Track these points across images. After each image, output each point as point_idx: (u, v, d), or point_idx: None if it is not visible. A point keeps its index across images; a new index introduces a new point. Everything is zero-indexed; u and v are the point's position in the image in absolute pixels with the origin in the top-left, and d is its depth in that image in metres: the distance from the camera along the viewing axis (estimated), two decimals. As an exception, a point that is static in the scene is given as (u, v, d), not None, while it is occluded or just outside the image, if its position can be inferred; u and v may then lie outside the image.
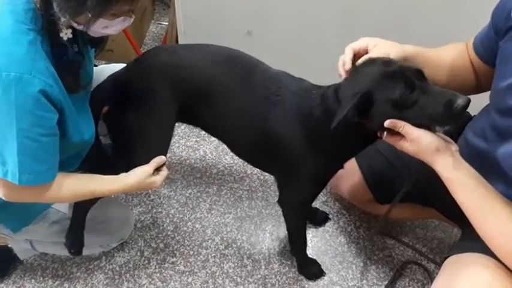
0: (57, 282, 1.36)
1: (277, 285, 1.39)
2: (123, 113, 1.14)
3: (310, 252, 1.48)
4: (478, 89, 1.12)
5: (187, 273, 1.40)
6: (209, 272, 1.41)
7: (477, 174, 0.90)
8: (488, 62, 1.04)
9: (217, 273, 1.41)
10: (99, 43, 1.10)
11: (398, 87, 0.90)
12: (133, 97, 1.13)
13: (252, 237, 1.51)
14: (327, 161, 1.12)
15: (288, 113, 1.08)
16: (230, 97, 1.12)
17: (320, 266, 1.43)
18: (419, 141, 0.89)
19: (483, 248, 0.90)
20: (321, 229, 1.55)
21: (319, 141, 1.07)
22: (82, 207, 1.22)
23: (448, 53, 1.10)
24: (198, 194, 1.63)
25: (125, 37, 1.92)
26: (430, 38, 1.61)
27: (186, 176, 1.68)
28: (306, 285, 1.40)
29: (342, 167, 1.17)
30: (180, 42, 1.84)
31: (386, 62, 0.96)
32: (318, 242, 1.52)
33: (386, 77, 0.92)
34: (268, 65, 1.17)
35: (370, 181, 1.35)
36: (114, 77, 1.18)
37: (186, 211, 1.57)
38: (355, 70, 1.00)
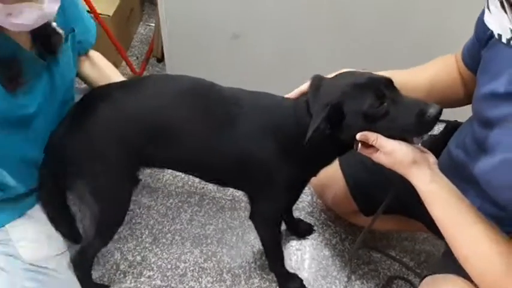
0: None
1: (256, 301, 1.35)
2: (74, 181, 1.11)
3: (293, 265, 1.43)
4: (469, 99, 1.08)
5: (162, 287, 1.36)
6: (186, 287, 1.36)
7: (454, 188, 0.86)
8: (475, 71, 1.00)
9: (195, 288, 1.37)
10: (47, 43, 1.03)
11: (368, 98, 0.87)
12: (82, 166, 1.09)
13: (233, 249, 1.46)
14: (300, 171, 1.08)
15: (256, 128, 1.04)
16: (188, 132, 1.06)
17: (302, 281, 1.38)
18: (393, 153, 0.86)
19: (459, 269, 0.85)
20: (304, 242, 1.50)
21: (292, 152, 1.03)
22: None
23: (426, 72, 1.07)
24: (180, 204, 1.58)
25: (109, 39, 1.87)
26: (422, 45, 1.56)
27: (168, 185, 1.63)
28: (286, 301, 1.35)
29: (315, 174, 1.14)
30: (165, 46, 1.79)
31: (357, 73, 0.94)
32: (301, 255, 1.46)
33: (356, 88, 0.90)
34: (222, 85, 1.12)
35: (355, 192, 1.31)
36: (52, 146, 1.10)
37: (166, 222, 1.52)
38: (326, 82, 0.97)
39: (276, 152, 1.04)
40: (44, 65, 1.03)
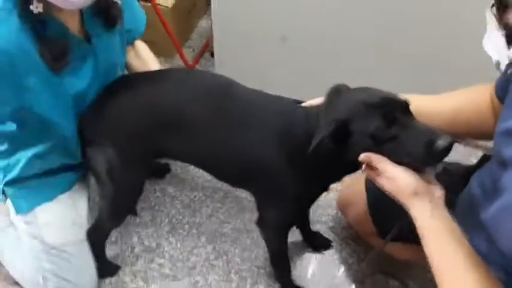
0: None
1: (258, 307, 1.33)
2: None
3: (301, 278, 1.39)
4: None
5: (170, 277, 1.39)
6: (193, 280, 1.38)
7: (455, 228, 0.79)
8: None
9: (201, 283, 1.38)
10: (107, 16, 1.09)
11: (376, 120, 0.84)
12: (99, 147, 1.13)
13: (245, 252, 1.46)
14: (308, 182, 1.05)
15: (267, 133, 1.03)
16: (201, 128, 1.07)
17: (308, 295, 1.34)
18: (395, 180, 0.82)
19: None
20: (319, 256, 1.45)
21: (300, 162, 1.00)
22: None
23: (452, 100, 0.99)
24: (203, 198, 1.60)
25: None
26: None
27: (196, 178, 1.66)
28: (288, 313, 1.32)
29: (326, 189, 1.11)
30: (215, 41, 1.82)
31: (373, 91, 0.90)
32: (314, 269, 1.42)
33: (366, 107, 0.86)
34: (243, 85, 1.12)
35: (373, 212, 1.24)
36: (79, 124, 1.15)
37: (186, 213, 1.55)
38: (343, 95, 0.94)
39: (284, 159, 1.02)
40: (89, 48, 1.09)
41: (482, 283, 0.72)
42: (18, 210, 1.25)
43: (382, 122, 0.83)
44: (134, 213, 1.50)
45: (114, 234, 1.45)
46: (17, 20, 0.93)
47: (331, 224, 1.53)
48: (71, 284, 1.24)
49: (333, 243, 1.48)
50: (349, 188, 1.42)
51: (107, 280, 1.38)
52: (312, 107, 1.03)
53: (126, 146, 1.11)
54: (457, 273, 0.75)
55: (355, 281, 1.39)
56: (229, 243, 1.48)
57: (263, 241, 1.45)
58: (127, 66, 1.32)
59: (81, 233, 1.28)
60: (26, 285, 1.29)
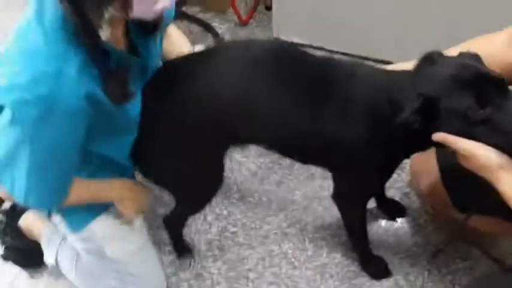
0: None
1: (335, 277, 1.31)
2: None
3: (379, 248, 1.36)
4: None
5: (245, 246, 1.38)
6: (267, 249, 1.37)
7: None
8: None
9: (276, 251, 1.37)
10: (154, 28, 0.95)
11: (468, 99, 0.78)
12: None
13: (318, 220, 1.43)
14: (390, 154, 1.02)
15: (348, 102, 0.96)
16: (268, 107, 0.99)
17: (387, 265, 1.31)
18: (475, 158, 0.81)
19: None
20: (395, 225, 1.41)
21: (381, 132, 0.95)
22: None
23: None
24: (270, 164, 1.56)
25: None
26: None
27: (261, 143, 1.61)
28: (367, 283, 1.30)
29: (407, 156, 1.09)
30: None
31: (466, 64, 0.84)
32: (389, 238, 1.38)
33: (458, 84, 0.80)
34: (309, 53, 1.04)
35: (448, 182, 1.18)
36: None
37: (255, 181, 1.52)
38: (435, 65, 0.87)
39: (366, 130, 0.96)
40: (137, 60, 0.96)
41: None
42: (72, 228, 1.11)
43: (474, 102, 0.78)
44: None
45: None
46: (79, 57, 0.80)
47: (406, 190, 1.47)
48: None
49: (409, 211, 1.42)
50: (422, 155, 1.34)
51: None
52: (396, 73, 0.96)
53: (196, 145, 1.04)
54: None
55: (434, 250, 1.34)
56: (301, 211, 1.45)
57: (335, 209, 1.42)
58: None
59: (142, 237, 1.21)
60: None
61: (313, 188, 1.49)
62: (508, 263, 1.30)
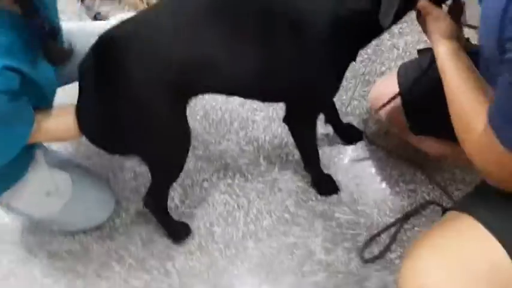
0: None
1: (284, 191, 1.39)
2: None
3: (329, 168, 1.42)
4: None
5: (203, 158, 1.46)
6: (223, 162, 1.45)
7: (475, 69, 0.87)
8: None
9: (231, 165, 1.45)
10: None
11: None
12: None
13: (276, 139, 1.49)
14: (349, 50, 1.05)
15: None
16: (224, 57, 0.98)
17: (335, 183, 1.38)
18: (439, 20, 0.90)
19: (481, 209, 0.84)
20: (349, 148, 1.46)
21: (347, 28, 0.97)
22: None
23: None
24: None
25: None
26: None
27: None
28: (313, 198, 1.38)
29: (354, 60, 1.10)
30: None
31: None
32: (340, 160, 1.44)
33: None
34: None
35: (407, 106, 1.21)
36: None
37: (220, 99, 1.58)
38: None
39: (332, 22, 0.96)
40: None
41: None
42: None
43: None
44: None
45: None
46: None
47: (365, 117, 1.51)
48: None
49: (364, 136, 1.47)
50: (383, 81, 1.37)
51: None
52: None
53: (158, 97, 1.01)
54: (468, 91, 0.83)
55: (382, 174, 1.41)
56: (261, 131, 1.51)
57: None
58: None
59: (67, 195, 1.23)
60: None
61: (276, 109, 1.54)
62: (449, 188, 1.36)
